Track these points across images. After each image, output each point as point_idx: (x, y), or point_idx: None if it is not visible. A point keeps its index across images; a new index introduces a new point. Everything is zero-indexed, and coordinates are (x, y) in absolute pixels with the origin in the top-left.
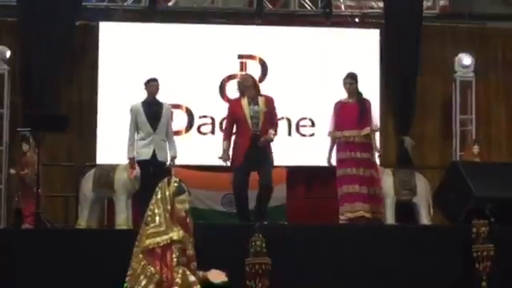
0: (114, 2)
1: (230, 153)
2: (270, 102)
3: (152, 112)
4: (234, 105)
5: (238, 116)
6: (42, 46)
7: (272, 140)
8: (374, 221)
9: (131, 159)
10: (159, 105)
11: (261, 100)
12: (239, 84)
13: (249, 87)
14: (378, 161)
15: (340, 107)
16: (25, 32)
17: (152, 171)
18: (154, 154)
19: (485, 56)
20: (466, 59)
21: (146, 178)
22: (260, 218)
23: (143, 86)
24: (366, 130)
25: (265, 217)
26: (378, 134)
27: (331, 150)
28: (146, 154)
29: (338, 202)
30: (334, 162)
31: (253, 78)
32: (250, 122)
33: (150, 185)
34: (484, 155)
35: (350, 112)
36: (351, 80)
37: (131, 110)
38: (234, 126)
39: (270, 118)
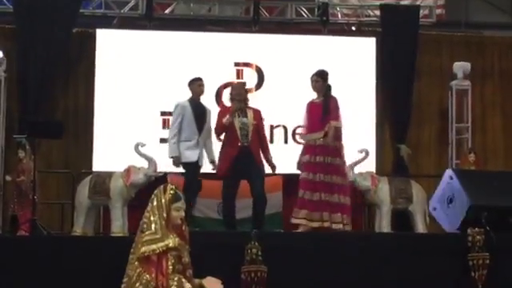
0: (111, 10)
1: (217, 157)
2: (258, 114)
3: (199, 113)
4: (224, 112)
5: (229, 128)
6: (39, 52)
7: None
8: (334, 231)
9: (176, 158)
10: (204, 107)
11: (249, 112)
12: (233, 92)
13: (241, 100)
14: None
15: (308, 107)
16: (22, 38)
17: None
18: (198, 158)
19: (481, 64)
20: (466, 68)
21: (191, 180)
22: (257, 225)
23: (187, 85)
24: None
25: (262, 225)
26: (342, 132)
27: (302, 153)
28: (191, 156)
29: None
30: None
31: (246, 90)
32: (239, 134)
33: (194, 188)
34: (480, 163)
35: (315, 112)
36: (316, 77)
37: (177, 107)
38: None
39: (257, 131)
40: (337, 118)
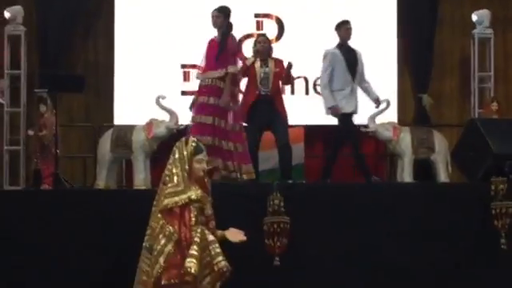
0: None
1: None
2: (280, 63)
3: (350, 57)
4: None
5: (249, 73)
6: (57, 5)
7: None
8: (233, 180)
9: (334, 108)
10: (353, 50)
11: (271, 62)
12: (257, 45)
13: (264, 52)
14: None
15: (208, 45)
16: None
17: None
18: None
19: (503, 12)
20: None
21: (348, 132)
22: (285, 175)
23: (334, 30)
24: (220, 72)
25: (290, 174)
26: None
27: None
28: (346, 107)
29: None
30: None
31: (270, 41)
32: (259, 84)
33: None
34: (503, 112)
35: (213, 50)
36: (217, 13)
37: (327, 55)
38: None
39: (280, 78)
40: (234, 61)
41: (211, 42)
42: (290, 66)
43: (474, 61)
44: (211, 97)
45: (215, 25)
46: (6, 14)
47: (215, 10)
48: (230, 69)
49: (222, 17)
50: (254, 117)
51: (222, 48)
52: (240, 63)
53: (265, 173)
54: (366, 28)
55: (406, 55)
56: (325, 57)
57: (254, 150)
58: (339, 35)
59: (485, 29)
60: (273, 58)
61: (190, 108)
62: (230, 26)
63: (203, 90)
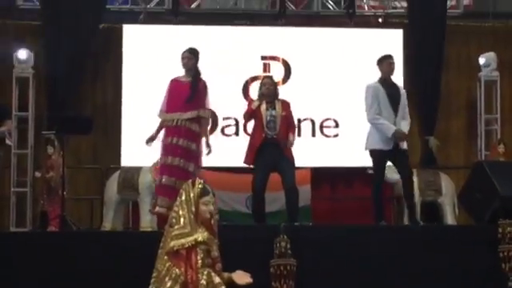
0: (138, 5)
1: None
2: (287, 106)
3: (393, 93)
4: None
5: (256, 116)
6: (66, 48)
7: (292, 145)
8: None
9: (398, 132)
10: (396, 85)
11: (278, 104)
12: (262, 88)
13: (270, 95)
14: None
15: (172, 85)
16: (49, 35)
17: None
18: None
19: (509, 55)
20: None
21: (381, 170)
22: (292, 217)
23: (376, 65)
24: (191, 114)
25: (296, 216)
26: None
27: (157, 131)
28: (387, 143)
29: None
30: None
31: (275, 83)
32: (265, 126)
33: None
34: (509, 154)
35: (180, 92)
36: (189, 54)
37: (369, 89)
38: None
39: (287, 122)
40: (204, 104)
41: (174, 82)
42: (290, 144)
43: (481, 103)
44: (180, 138)
45: (186, 66)
46: (21, 54)
47: (186, 51)
48: (203, 113)
49: (193, 59)
50: (261, 159)
51: (194, 90)
52: (208, 106)
53: (271, 215)
54: (371, 70)
55: (412, 97)
56: (367, 91)
57: (260, 192)
58: (381, 70)
59: (491, 71)
60: (280, 100)
61: (147, 142)
62: (198, 70)
63: (170, 130)
